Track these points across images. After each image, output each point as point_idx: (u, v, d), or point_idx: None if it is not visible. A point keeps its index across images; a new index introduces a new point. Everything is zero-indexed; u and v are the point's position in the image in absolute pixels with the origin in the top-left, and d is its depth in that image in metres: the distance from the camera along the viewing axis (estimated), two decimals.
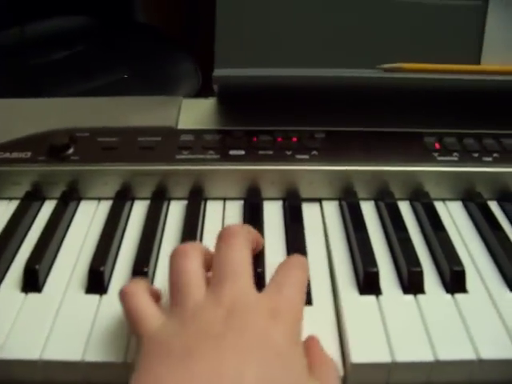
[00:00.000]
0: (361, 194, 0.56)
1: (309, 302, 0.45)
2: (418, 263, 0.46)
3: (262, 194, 0.56)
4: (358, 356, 0.40)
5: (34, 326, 0.42)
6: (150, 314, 0.38)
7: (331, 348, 0.41)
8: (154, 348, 0.36)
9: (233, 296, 0.37)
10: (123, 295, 0.40)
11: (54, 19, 1.17)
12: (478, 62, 0.60)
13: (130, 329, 0.40)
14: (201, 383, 0.32)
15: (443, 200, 0.56)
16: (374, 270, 0.46)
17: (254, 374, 0.33)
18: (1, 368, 0.40)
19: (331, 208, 0.55)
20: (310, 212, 0.54)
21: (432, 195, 0.56)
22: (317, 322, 0.43)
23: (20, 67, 1.08)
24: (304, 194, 0.56)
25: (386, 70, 0.59)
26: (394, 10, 0.59)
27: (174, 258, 0.41)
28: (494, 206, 0.55)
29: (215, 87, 0.59)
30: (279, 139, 0.57)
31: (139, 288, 0.41)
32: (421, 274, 0.46)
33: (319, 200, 0.56)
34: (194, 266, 0.40)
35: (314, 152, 0.56)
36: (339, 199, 0.56)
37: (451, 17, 0.59)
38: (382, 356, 0.40)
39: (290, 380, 0.34)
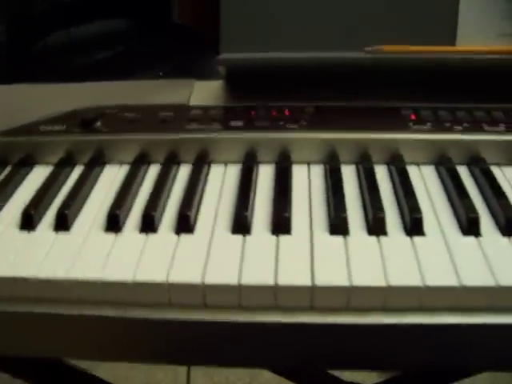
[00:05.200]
0: (343, 159, 0.64)
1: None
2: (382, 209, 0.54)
3: (258, 158, 0.65)
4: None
5: None
6: None
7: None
8: None
9: None
10: None
11: (96, 23, 1.30)
12: (454, 44, 0.68)
13: None
14: None
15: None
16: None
17: None
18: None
19: (317, 170, 0.64)
20: (298, 173, 0.63)
21: (407, 160, 0.63)
22: None
23: (66, 67, 1.21)
24: (294, 158, 0.64)
25: (369, 52, 0.67)
26: None
27: None
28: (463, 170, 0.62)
29: (221, 69, 0.69)
30: (274, 113, 0.67)
31: None
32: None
33: (308, 163, 0.65)
34: None
35: (303, 122, 0.65)
36: (324, 163, 0.64)
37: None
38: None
39: None
